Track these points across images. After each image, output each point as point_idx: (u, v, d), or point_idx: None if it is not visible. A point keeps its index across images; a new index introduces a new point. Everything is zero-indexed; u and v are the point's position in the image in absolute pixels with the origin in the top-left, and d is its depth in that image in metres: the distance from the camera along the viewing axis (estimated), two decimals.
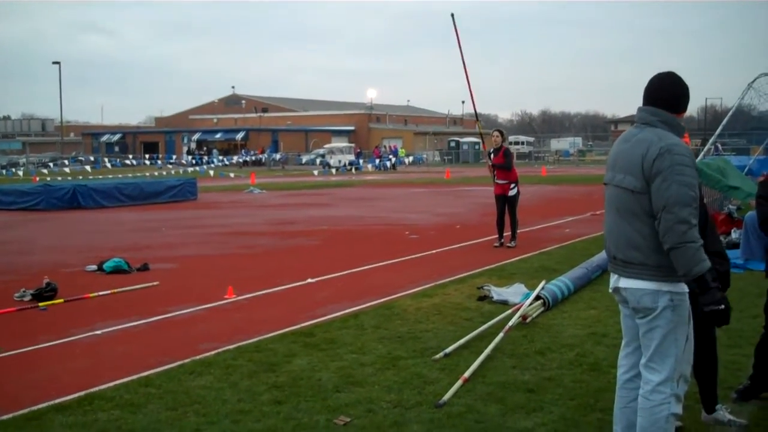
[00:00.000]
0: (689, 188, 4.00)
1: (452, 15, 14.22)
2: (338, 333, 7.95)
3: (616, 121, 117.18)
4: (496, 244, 14.55)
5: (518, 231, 14.83)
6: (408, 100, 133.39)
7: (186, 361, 6.97)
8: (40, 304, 9.65)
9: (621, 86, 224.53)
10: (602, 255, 10.94)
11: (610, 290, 4.45)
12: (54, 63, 74.28)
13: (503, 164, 14.52)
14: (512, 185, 14.59)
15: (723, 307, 3.99)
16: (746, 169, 18.14)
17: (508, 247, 14.31)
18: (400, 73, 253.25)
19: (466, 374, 6.29)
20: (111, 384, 6.33)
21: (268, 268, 12.64)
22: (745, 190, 13.06)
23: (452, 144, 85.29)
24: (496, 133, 14.85)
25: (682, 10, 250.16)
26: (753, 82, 18.75)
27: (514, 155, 15.35)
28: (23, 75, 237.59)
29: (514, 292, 9.50)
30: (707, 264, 3.97)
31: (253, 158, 74.00)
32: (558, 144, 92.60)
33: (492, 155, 14.70)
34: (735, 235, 13.27)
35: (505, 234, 14.65)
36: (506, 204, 14.62)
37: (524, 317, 8.19)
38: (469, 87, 14.62)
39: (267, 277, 11.56)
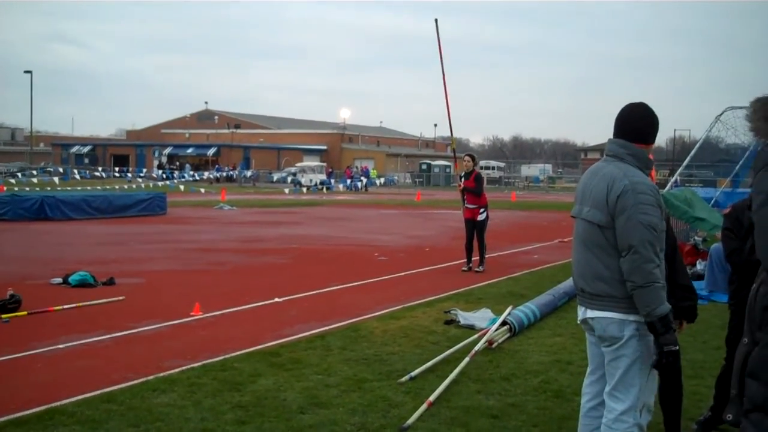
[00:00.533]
0: (653, 228, 4.07)
1: (435, 20, 14.30)
2: (304, 353, 7.93)
3: (586, 149, 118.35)
4: (464, 268, 14.59)
5: (486, 256, 14.86)
6: (381, 122, 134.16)
7: (150, 377, 6.91)
8: (3, 316, 9.51)
9: (591, 115, 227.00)
10: (569, 282, 11.02)
11: (578, 321, 4.49)
12: (26, 72, 73.50)
13: (474, 189, 14.56)
14: (481, 210, 14.62)
15: (678, 347, 4.08)
16: (713, 201, 18.39)
17: (476, 271, 14.34)
18: (374, 94, 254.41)
19: (431, 398, 6.29)
20: (73, 399, 6.26)
21: (236, 285, 12.58)
22: (711, 221, 13.24)
23: (424, 167, 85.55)
24: (467, 158, 14.84)
25: (652, 42, 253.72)
26: (720, 115, 19.03)
27: (485, 180, 15.35)
28: None
29: (480, 317, 9.54)
30: (668, 305, 4.06)
31: (229, 174, 73.66)
32: (528, 170, 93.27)
33: (463, 179, 14.70)
34: (700, 266, 13.42)
35: (473, 258, 14.69)
36: (475, 228, 14.65)
37: (490, 342, 8.22)
38: (446, 94, 14.61)
39: (234, 294, 11.50)
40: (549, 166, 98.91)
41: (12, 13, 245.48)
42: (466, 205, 14.72)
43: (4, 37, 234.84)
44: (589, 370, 4.62)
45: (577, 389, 5.45)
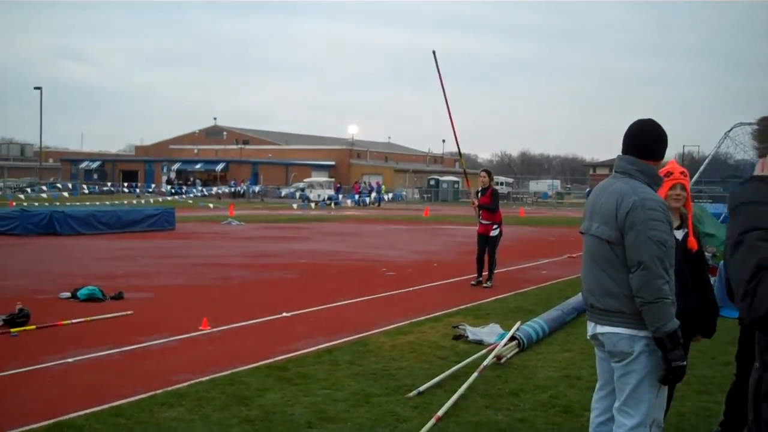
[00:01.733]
0: (662, 243, 4.07)
1: (434, 52, 14.33)
2: (312, 368, 7.92)
3: (595, 165, 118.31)
4: (473, 282, 14.59)
5: (496, 271, 14.85)
6: (389, 137, 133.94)
7: (158, 392, 6.92)
8: (12, 330, 9.53)
9: (600, 131, 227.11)
10: (578, 297, 10.99)
11: (588, 337, 4.48)
12: (36, 88, 73.93)
13: (489, 205, 14.63)
14: (495, 226, 14.66)
15: (685, 363, 4.08)
16: (722, 217, 18.32)
17: (484, 287, 14.33)
18: (382, 110, 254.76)
19: (439, 413, 6.28)
20: (81, 413, 6.26)
21: (244, 300, 12.58)
22: (720, 237, 13.18)
23: (432, 182, 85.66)
24: (483, 173, 14.94)
25: (661, 58, 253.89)
26: (729, 131, 19.06)
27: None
28: (3, 99, 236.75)
29: (489, 332, 9.52)
30: (677, 321, 4.06)
31: (242, 189, 73.71)
32: (537, 186, 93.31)
33: (479, 195, 14.81)
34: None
35: (483, 273, 14.67)
36: (487, 244, 14.66)
37: (499, 357, 8.20)
38: (451, 123, 14.71)
39: (242, 309, 11.50)
40: (557, 182, 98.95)
41: (20, 30, 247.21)
42: (481, 221, 14.78)
43: (13, 53, 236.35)
44: (598, 385, 4.62)
45: (586, 405, 5.42)
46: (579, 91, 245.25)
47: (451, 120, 14.78)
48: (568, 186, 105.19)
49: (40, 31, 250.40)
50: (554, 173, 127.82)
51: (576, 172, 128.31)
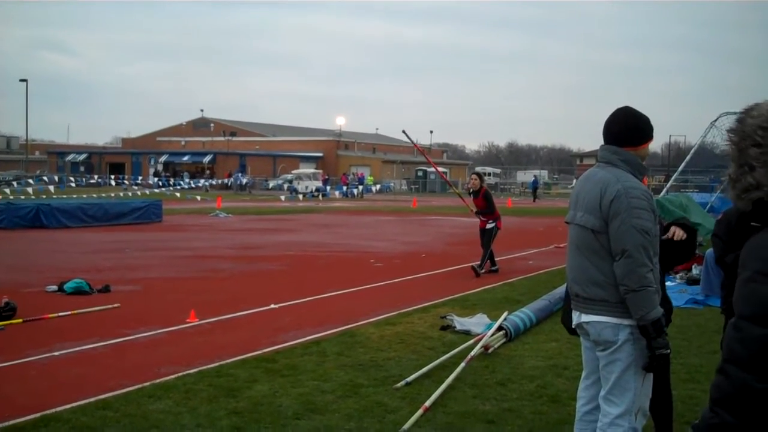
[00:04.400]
0: (646, 232, 4.08)
1: (404, 131, 14.96)
2: (300, 359, 7.92)
3: (582, 155, 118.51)
4: (494, 268, 15.09)
5: (485, 262, 14.86)
6: (377, 129, 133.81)
7: (145, 384, 6.90)
8: None
9: (587, 121, 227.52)
10: (565, 287, 11.01)
11: (573, 326, 4.49)
12: (21, 80, 73.67)
13: (485, 209, 14.92)
14: (491, 220, 14.94)
15: (669, 351, 4.10)
16: (708, 206, 18.41)
17: (472, 266, 14.65)
18: (370, 101, 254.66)
19: (427, 403, 6.29)
20: (68, 406, 6.24)
21: (232, 292, 12.56)
22: (706, 226, 13.24)
23: (419, 173, 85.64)
24: (474, 176, 15.14)
25: (647, 48, 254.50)
26: (715, 120, 19.09)
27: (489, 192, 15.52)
28: None
29: (476, 323, 9.53)
30: (660, 309, 4.08)
31: (240, 182, 73.41)
32: (524, 176, 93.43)
33: (472, 197, 15.07)
34: (696, 271, 13.43)
35: (487, 261, 14.95)
36: (483, 235, 15.00)
37: (486, 347, 8.21)
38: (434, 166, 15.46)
39: (230, 301, 11.48)
40: (545, 172, 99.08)
41: (4, 21, 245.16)
42: (480, 217, 15.13)
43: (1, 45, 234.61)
44: (584, 374, 4.63)
45: (573, 394, 5.44)
46: (566, 82, 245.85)
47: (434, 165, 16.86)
48: (555, 176, 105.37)
49: (21, 21, 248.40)
50: (541, 163, 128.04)
51: (563, 162, 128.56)
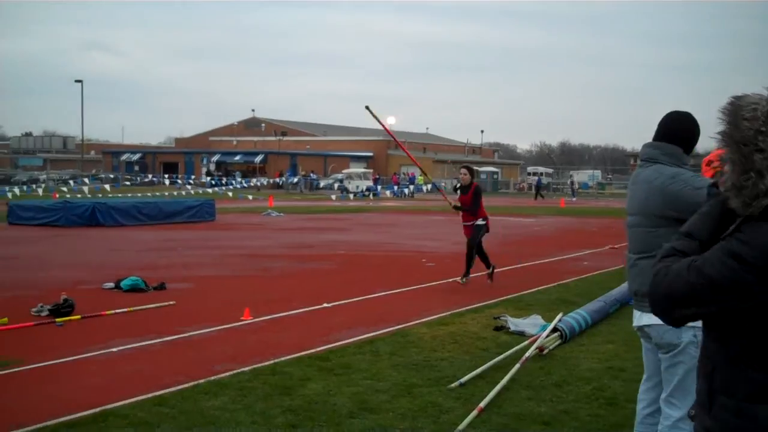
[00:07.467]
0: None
1: (367, 107, 12.99)
2: (353, 358, 7.92)
3: (635, 155, 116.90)
4: (489, 274, 13.45)
5: (511, 266, 14.65)
6: (427, 128, 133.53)
7: (201, 381, 6.96)
8: (57, 319, 9.66)
9: (640, 120, 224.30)
10: (621, 289, 10.87)
11: (634, 327, 4.42)
12: (77, 81, 74.88)
13: (470, 206, 13.11)
14: (480, 219, 13.23)
15: None
16: None
17: (459, 282, 12.92)
18: (420, 100, 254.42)
19: (482, 404, 6.23)
20: (125, 402, 6.32)
21: (284, 291, 12.62)
22: None
23: None
24: (464, 170, 13.35)
25: (703, 46, 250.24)
26: None
27: (481, 193, 13.56)
28: (45, 92, 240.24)
29: (531, 324, 9.44)
30: None
31: (306, 180, 73.91)
32: (577, 176, 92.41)
33: (460, 192, 13.43)
34: None
35: (490, 265, 13.58)
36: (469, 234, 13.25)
37: (541, 349, 8.13)
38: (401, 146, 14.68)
39: (283, 300, 11.54)
40: (598, 172, 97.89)
41: (58, 23, 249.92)
42: (463, 223, 13.43)
43: (54, 47, 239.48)
44: (645, 376, 4.56)
45: (631, 396, 5.35)
46: (620, 80, 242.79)
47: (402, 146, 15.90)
48: (609, 176, 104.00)
49: (69, 24, 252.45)
50: (594, 163, 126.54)
51: (617, 162, 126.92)
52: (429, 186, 65.23)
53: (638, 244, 4.30)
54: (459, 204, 13.35)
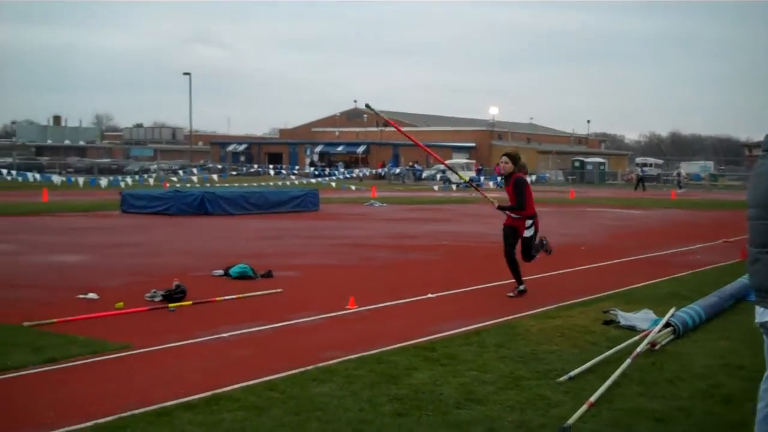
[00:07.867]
0: None
1: (367, 104, 12.23)
2: (459, 349, 7.87)
3: (751, 145, 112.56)
4: (511, 294, 11.23)
5: (605, 263, 13.76)
6: (531, 118, 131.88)
7: (309, 367, 7.04)
8: (170, 305, 9.96)
9: (755, 109, 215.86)
10: (736, 284, 10.48)
11: (757, 323, 4.25)
12: (185, 74, 76.95)
13: (514, 203, 11.02)
14: (528, 222, 11.16)
15: None
16: None
17: (509, 296, 11.18)
18: (524, 90, 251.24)
19: (592, 399, 6.10)
20: (236, 386, 6.45)
21: (389, 280, 12.68)
22: None
23: (576, 164, 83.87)
24: (504, 158, 11.12)
25: None
26: None
27: (530, 186, 11.40)
28: (154, 85, 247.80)
29: (642, 318, 9.19)
30: None
31: (418, 172, 74.26)
32: (688, 167, 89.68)
33: (504, 185, 11.40)
34: None
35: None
36: (516, 241, 11.21)
37: (653, 344, 7.91)
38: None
39: (387, 289, 11.58)
40: (710, 164, 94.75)
41: (165, 16, 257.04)
42: (508, 213, 11.25)
43: (160, 40, 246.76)
44: (766, 374, 4.38)
45: (749, 395, 5.15)
46: (733, 68, 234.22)
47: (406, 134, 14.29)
48: (722, 168, 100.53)
49: (174, 16, 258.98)
50: (707, 154, 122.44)
51: (730, 153, 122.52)
52: (533, 177, 64.57)
53: (760, 237, 4.13)
54: (504, 205, 11.26)
